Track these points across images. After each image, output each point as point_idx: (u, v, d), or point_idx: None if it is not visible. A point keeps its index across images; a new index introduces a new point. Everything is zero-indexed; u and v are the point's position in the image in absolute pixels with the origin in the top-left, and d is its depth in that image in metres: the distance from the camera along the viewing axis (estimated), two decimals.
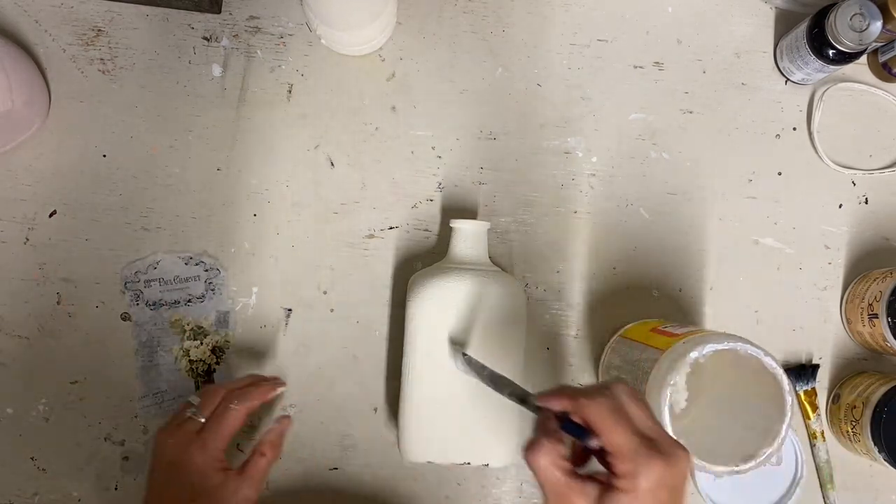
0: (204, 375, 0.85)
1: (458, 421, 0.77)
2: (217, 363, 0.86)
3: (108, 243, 0.87)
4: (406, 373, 0.79)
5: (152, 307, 0.85)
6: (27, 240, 0.87)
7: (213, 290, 0.86)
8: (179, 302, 0.86)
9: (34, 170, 0.87)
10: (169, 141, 0.88)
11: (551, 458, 0.53)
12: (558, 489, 0.53)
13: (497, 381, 0.67)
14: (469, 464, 0.78)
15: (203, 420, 0.73)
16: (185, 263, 0.86)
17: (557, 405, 0.56)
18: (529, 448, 0.54)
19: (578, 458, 0.57)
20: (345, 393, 0.87)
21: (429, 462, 0.78)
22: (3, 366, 0.85)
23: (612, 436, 0.52)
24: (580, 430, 0.54)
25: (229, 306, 0.87)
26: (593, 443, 0.53)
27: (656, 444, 0.52)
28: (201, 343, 0.86)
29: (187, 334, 0.86)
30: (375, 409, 0.86)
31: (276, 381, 0.81)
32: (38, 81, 0.85)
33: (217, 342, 0.86)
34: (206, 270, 0.86)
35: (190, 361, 0.85)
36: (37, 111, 0.85)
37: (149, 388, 0.85)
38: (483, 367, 0.70)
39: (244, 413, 0.74)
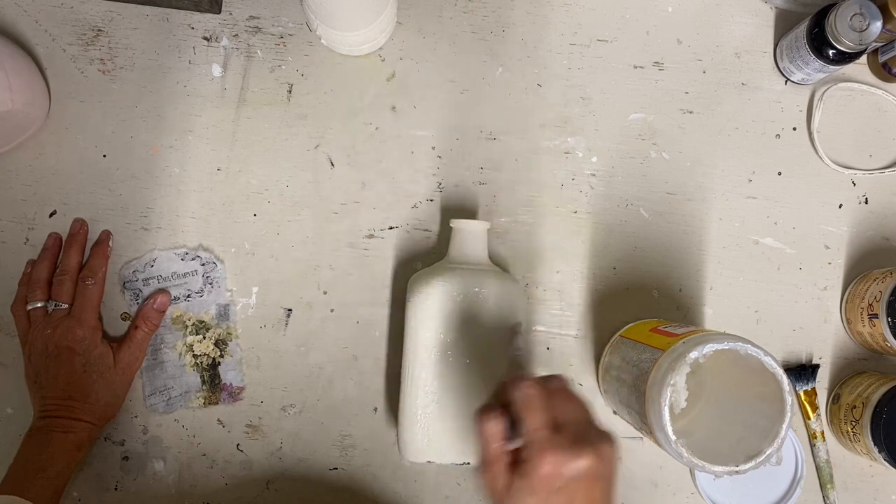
0: (209, 369, 0.86)
1: (458, 421, 0.77)
2: (221, 356, 0.86)
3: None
4: (406, 373, 0.79)
5: (135, 295, 0.86)
6: (27, 240, 0.87)
7: (211, 283, 0.86)
8: (179, 298, 0.86)
9: (34, 170, 0.87)
10: (169, 141, 0.88)
11: (497, 428, 0.58)
12: (490, 456, 0.58)
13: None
14: (469, 464, 0.78)
15: (66, 306, 0.82)
16: (182, 259, 0.86)
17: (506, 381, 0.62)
18: (483, 412, 0.59)
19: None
20: (345, 393, 0.87)
21: (429, 462, 0.78)
22: (3, 366, 0.86)
23: (525, 422, 0.57)
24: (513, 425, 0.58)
25: (229, 299, 0.87)
26: (514, 442, 0.58)
27: (560, 437, 0.56)
28: (204, 337, 0.86)
29: (189, 330, 0.86)
30: (375, 409, 0.87)
31: (105, 239, 0.87)
32: (38, 81, 0.85)
33: (219, 335, 0.86)
34: (203, 265, 0.86)
35: (194, 356, 0.86)
36: (37, 111, 0.85)
37: (155, 386, 0.85)
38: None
39: (101, 282, 0.84)
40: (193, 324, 0.86)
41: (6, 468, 0.78)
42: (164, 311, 0.85)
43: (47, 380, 0.80)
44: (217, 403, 0.86)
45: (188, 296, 0.86)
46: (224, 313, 0.86)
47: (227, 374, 0.86)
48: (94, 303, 0.82)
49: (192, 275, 0.86)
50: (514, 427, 0.58)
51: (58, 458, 0.78)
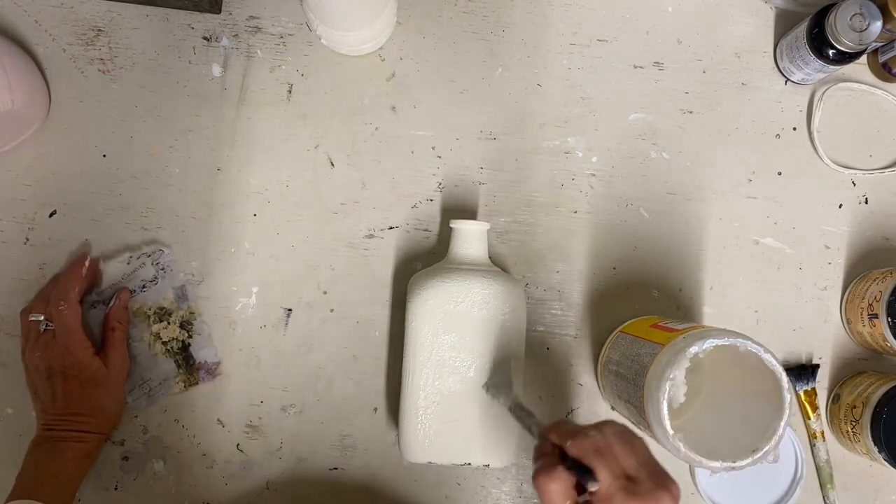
0: (181, 352, 0.86)
1: (459, 421, 0.77)
2: (189, 337, 0.86)
3: (108, 243, 0.87)
4: (406, 373, 0.79)
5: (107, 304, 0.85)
6: (27, 240, 0.87)
7: (162, 269, 0.86)
8: (135, 291, 0.86)
9: (34, 170, 0.87)
10: (169, 141, 0.88)
11: (563, 486, 0.57)
12: None
13: (516, 409, 0.72)
14: (469, 464, 0.78)
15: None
16: (128, 264, 0.86)
17: (554, 438, 0.61)
18: (543, 472, 0.57)
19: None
20: (345, 393, 0.87)
21: (429, 463, 0.78)
22: (3, 366, 0.86)
23: (599, 474, 0.56)
24: (582, 469, 0.56)
25: (183, 279, 0.87)
26: (592, 486, 0.55)
27: (636, 485, 0.55)
28: (168, 323, 0.86)
29: (152, 318, 0.86)
30: (375, 409, 0.86)
31: (81, 259, 0.84)
32: (38, 81, 0.86)
33: (183, 317, 0.86)
34: (150, 255, 0.86)
35: (163, 343, 0.85)
36: (37, 111, 0.85)
37: (134, 382, 0.85)
38: (508, 397, 0.74)
39: (74, 304, 0.80)
40: (155, 312, 0.86)
41: (6, 468, 0.78)
42: (128, 306, 0.85)
43: (45, 397, 0.80)
44: (197, 384, 0.86)
45: (143, 286, 0.86)
46: (182, 295, 0.86)
47: (200, 353, 0.86)
48: (73, 326, 0.80)
49: (142, 266, 0.86)
50: (576, 480, 0.57)
51: (70, 466, 0.78)
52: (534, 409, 0.71)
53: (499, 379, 0.77)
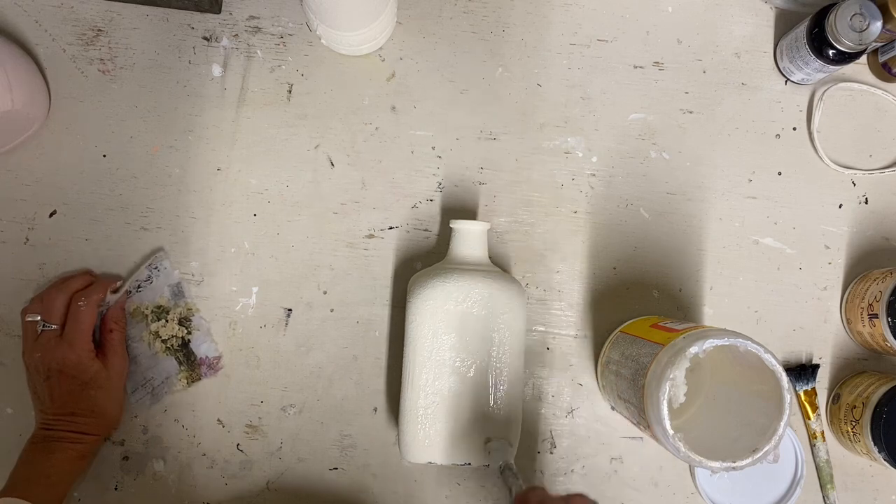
0: (181, 349, 0.86)
1: (459, 421, 0.77)
2: (189, 333, 0.86)
3: (108, 243, 0.87)
4: (406, 373, 0.79)
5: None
6: (27, 240, 0.87)
7: (156, 268, 0.86)
8: (131, 292, 0.86)
9: (34, 170, 0.87)
10: (169, 141, 0.88)
11: None
12: None
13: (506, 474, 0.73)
14: (469, 464, 0.78)
15: (56, 326, 0.80)
16: (145, 288, 0.86)
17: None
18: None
19: None
20: (345, 393, 0.87)
21: (429, 463, 0.78)
22: (3, 366, 0.86)
23: None
24: None
25: (178, 277, 0.87)
26: None
27: None
28: (166, 321, 0.86)
29: (150, 318, 0.86)
30: (375, 409, 0.86)
31: (115, 279, 0.86)
32: (38, 81, 0.86)
33: (181, 314, 0.86)
34: (143, 257, 0.86)
35: (162, 341, 0.85)
36: (37, 111, 0.85)
37: (136, 382, 0.85)
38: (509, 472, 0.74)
39: (94, 306, 0.81)
40: (152, 311, 0.86)
41: (6, 468, 0.78)
42: (124, 307, 0.85)
43: (44, 397, 0.80)
44: (199, 379, 0.86)
45: (138, 287, 0.86)
46: (178, 292, 0.86)
47: (201, 348, 0.86)
48: (85, 327, 0.80)
49: (135, 268, 0.86)
50: None
51: (63, 466, 0.78)
52: (521, 472, 0.75)
53: (499, 442, 0.78)
